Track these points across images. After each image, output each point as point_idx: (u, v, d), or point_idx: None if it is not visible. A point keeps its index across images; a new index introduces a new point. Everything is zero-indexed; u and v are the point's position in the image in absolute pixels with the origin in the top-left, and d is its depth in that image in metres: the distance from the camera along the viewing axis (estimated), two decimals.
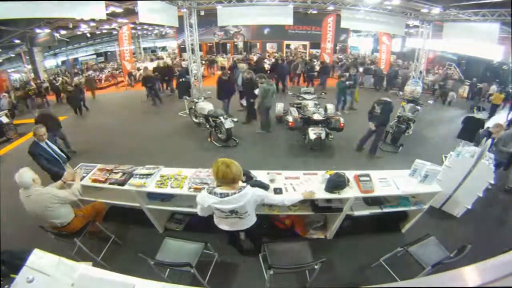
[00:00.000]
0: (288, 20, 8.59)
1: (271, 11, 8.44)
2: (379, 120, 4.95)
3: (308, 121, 5.47)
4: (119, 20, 13.64)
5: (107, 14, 7.16)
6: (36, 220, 2.53)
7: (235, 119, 5.73)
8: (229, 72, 8.12)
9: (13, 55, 15.31)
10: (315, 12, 12.81)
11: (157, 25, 18.97)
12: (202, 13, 12.42)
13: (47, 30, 12.44)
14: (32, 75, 14.12)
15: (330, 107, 6.32)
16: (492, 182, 3.29)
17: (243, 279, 2.70)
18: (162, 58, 18.62)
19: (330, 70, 12.21)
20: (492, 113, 8.09)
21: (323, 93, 7.33)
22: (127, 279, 1.04)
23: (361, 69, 12.62)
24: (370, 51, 20.43)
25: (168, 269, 2.42)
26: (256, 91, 6.16)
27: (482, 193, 3.38)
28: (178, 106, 8.47)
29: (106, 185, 2.83)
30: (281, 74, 10.41)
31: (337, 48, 18.77)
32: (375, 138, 5.23)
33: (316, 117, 5.36)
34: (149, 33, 22.65)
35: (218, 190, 2.00)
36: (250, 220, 2.23)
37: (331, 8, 9.63)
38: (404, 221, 3.24)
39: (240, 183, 2.10)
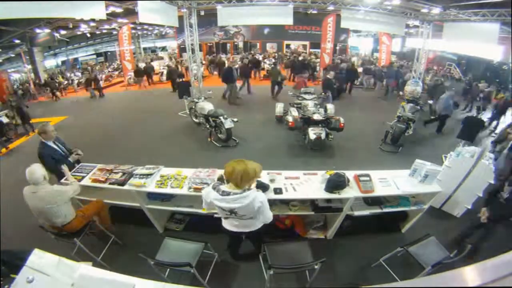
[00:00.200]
0: (288, 20, 8.59)
1: (271, 11, 8.44)
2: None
3: (308, 121, 5.47)
4: (119, 20, 13.64)
5: (107, 14, 7.16)
6: (36, 219, 2.52)
7: (235, 119, 5.73)
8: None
9: (13, 55, 15.29)
10: (315, 12, 12.82)
11: (157, 25, 18.96)
12: (202, 13, 12.41)
13: (47, 30, 12.44)
14: (32, 75, 14.11)
15: (330, 107, 6.32)
16: (492, 182, 3.29)
17: (243, 279, 2.70)
18: (162, 58, 18.67)
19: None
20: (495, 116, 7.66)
21: (322, 93, 7.34)
22: (127, 279, 1.04)
23: (360, 69, 12.62)
24: (370, 51, 20.43)
25: (168, 269, 2.41)
26: None
27: (482, 193, 3.37)
28: (178, 105, 8.47)
29: (106, 185, 2.83)
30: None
31: (337, 48, 18.77)
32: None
33: (316, 117, 5.37)
34: (149, 33, 22.65)
35: (222, 187, 1.99)
36: (252, 224, 2.17)
37: (331, 8, 9.63)
38: (404, 221, 3.24)
39: (241, 186, 2.00)
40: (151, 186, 2.76)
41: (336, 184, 2.59)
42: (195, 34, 8.39)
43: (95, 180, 2.88)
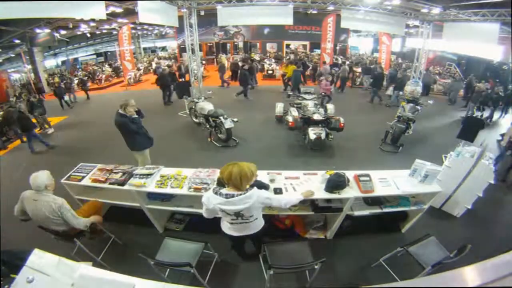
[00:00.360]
0: (288, 20, 8.59)
1: (271, 11, 8.44)
2: None
3: (308, 121, 5.47)
4: (119, 20, 13.65)
5: (107, 14, 7.16)
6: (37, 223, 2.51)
7: (235, 119, 5.73)
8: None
9: (13, 55, 15.29)
10: (315, 12, 12.83)
11: (157, 25, 18.97)
12: (202, 13, 12.40)
13: (47, 30, 12.43)
14: (32, 75, 14.11)
15: (330, 107, 6.32)
16: (492, 182, 3.29)
17: (243, 279, 2.70)
18: (160, 58, 18.66)
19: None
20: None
21: (322, 93, 7.34)
22: (127, 279, 1.04)
23: (359, 69, 12.63)
24: (370, 51, 20.44)
25: (168, 269, 2.41)
26: None
27: (482, 193, 3.38)
28: (179, 106, 8.48)
29: (106, 185, 2.83)
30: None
31: (337, 48, 18.78)
32: None
33: (316, 117, 5.37)
34: (149, 33, 22.67)
35: (224, 190, 1.97)
36: (257, 224, 2.19)
37: (331, 8, 9.63)
38: (404, 221, 3.24)
39: (241, 188, 2.02)
40: (151, 186, 2.76)
41: (336, 184, 2.59)
42: (195, 34, 8.39)
43: (95, 180, 2.88)
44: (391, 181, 2.77)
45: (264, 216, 2.85)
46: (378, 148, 5.71)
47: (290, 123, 5.48)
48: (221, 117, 5.62)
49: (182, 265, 2.13)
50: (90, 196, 3.07)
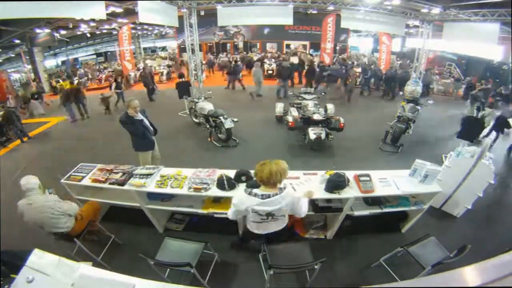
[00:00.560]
0: (288, 20, 8.59)
1: (271, 11, 8.44)
2: None
3: (308, 121, 5.47)
4: (119, 20, 13.63)
5: (107, 14, 7.15)
6: (36, 227, 2.51)
7: (235, 119, 5.73)
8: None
9: (13, 55, 15.30)
10: (315, 12, 12.82)
11: (157, 25, 18.95)
12: (202, 13, 12.42)
13: (47, 30, 12.43)
14: (32, 75, 14.11)
15: (330, 107, 6.32)
16: (492, 182, 3.29)
17: (243, 279, 2.70)
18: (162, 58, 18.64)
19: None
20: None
21: (322, 93, 7.34)
22: (127, 279, 1.04)
23: (359, 69, 12.62)
24: (370, 51, 20.44)
25: (168, 269, 2.42)
26: None
27: (482, 193, 3.37)
28: (178, 106, 8.48)
29: (106, 185, 2.83)
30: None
31: (337, 48, 18.77)
32: None
33: (316, 117, 5.37)
34: (149, 33, 22.65)
35: (259, 191, 1.95)
36: (283, 222, 2.20)
37: (331, 8, 9.63)
38: (404, 221, 3.24)
39: (279, 184, 2.02)
40: (151, 186, 2.76)
41: (336, 184, 2.59)
42: (195, 34, 8.39)
43: (95, 180, 2.88)
44: (391, 181, 2.78)
45: None
46: (378, 148, 5.71)
47: (290, 123, 5.48)
48: (221, 117, 5.62)
49: (182, 265, 2.13)
50: (90, 196, 3.07)
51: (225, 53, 18.91)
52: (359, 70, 12.72)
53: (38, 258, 1.04)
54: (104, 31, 17.78)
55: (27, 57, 13.93)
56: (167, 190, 2.74)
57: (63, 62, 19.64)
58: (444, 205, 3.66)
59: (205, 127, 6.29)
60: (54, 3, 5.25)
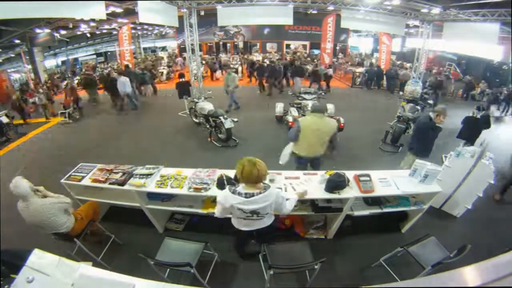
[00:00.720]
0: (288, 20, 8.59)
1: (271, 11, 8.44)
2: None
3: None
4: (119, 20, 13.64)
5: (107, 14, 7.16)
6: (36, 228, 2.50)
7: (235, 119, 5.73)
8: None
9: (13, 55, 15.29)
10: (315, 12, 12.83)
11: (157, 25, 18.97)
12: (202, 13, 12.43)
13: (47, 30, 12.44)
14: (32, 75, 14.11)
15: (330, 107, 6.32)
16: (492, 182, 3.29)
17: (243, 279, 2.70)
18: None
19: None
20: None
21: (323, 93, 7.33)
22: (127, 279, 1.04)
23: (359, 69, 12.64)
24: (370, 51, 20.44)
25: (168, 269, 2.42)
26: None
27: (482, 193, 3.37)
28: (179, 106, 8.48)
29: (106, 185, 2.83)
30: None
31: (337, 48, 18.78)
32: None
33: None
34: (149, 33, 22.66)
35: (242, 190, 1.97)
36: (269, 220, 2.23)
37: (331, 8, 9.63)
38: (404, 221, 3.24)
39: (263, 183, 2.06)
40: (151, 186, 2.76)
41: (336, 184, 2.59)
42: (195, 34, 8.39)
43: (95, 180, 2.88)
44: (391, 181, 2.78)
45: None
46: (378, 148, 5.71)
47: (290, 123, 5.48)
48: (221, 117, 5.62)
49: (182, 265, 2.13)
50: (90, 196, 3.07)
51: (227, 53, 18.95)
52: (359, 70, 12.75)
53: (38, 258, 1.04)
54: (104, 31, 17.80)
55: (27, 57, 13.94)
56: (167, 190, 2.74)
57: (63, 62, 19.63)
58: (444, 205, 3.66)
59: (205, 127, 6.29)
60: (54, 3, 5.26)
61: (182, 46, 16.51)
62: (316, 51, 18.34)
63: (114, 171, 2.98)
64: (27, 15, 5.25)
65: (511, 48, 10.39)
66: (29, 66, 14.17)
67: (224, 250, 2.87)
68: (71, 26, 13.78)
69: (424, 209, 2.90)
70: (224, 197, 2.03)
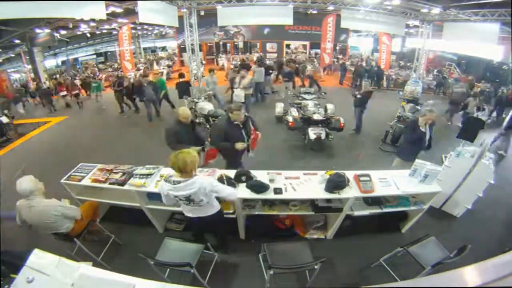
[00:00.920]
0: (288, 20, 8.61)
1: (271, 11, 8.45)
2: None
3: (308, 121, 5.47)
4: (119, 20, 13.63)
5: (107, 14, 7.17)
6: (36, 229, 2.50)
7: None
8: None
9: (13, 55, 15.30)
10: (315, 12, 12.83)
11: (157, 25, 18.96)
12: (202, 13, 12.42)
13: (47, 30, 12.43)
14: (32, 75, 14.12)
15: (330, 107, 6.32)
16: (492, 182, 3.29)
17: (243, 279, 2.70)
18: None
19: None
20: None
21: (323, 93, 7.33)
22: (127, 279, 1.04)
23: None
24: (370, 51, 20.43)
25: (168, 269, 2.41)
26: None
27: (482, 193, 3.37)
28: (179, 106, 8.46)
29: (106, 185, 2.83)
30: None
31: (337, 48, 18.77)
32: None
33: (316, 117, 5.37)
34: (149, 33, 22.65)
35: (173, 178, 2.12)
36: (210, 208, 2.33)
37: (331, 8, 9.65)
38: (404, 221, 3.24)
39: (195, 173, 2.19)
40: (151, 186, 2.76)
41: (336, 184, 2.59)
42: (195, 34, 8.41)
43: (95, 180, 2.88)
44: (391, 181, 2.77)
45: (264, 216, 2.88)
46: (378, 148, 5.71)
47: (290, 123, 5.48)
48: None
49: (182, 265, 2.13)
50: (90, 196, 3.07)
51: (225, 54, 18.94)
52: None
53: (38, 258, 1.05)
54: (104, 31, 17.80)
55: (27, 57, 13.94)
56: None
57: (63, 62, 19.63)
58: (444, 205, 3.66)
59: (205, 127, 6.29)
60: (54, 3, 5.27)
61: (182, 46, 16.49)
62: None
63: (114, 171, 2.98)
64: (27, 15, 5.26)
65: (511, 48, 10.38)
66: (29, 66, 14.17)
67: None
68: (71, 26, 13.78)
69: (424, 209, 2.90)
70: (160, 185, 2.21)
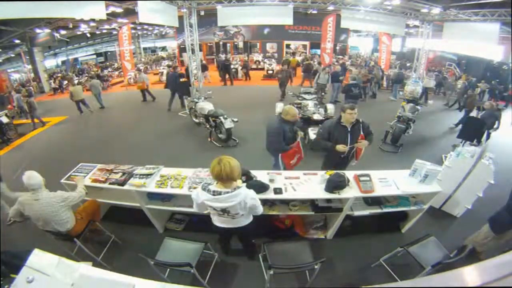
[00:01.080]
0: (288, 20, 8.61)
1: (271, 11, 8.45)
2: None
3: (308, 121, 5.46)
4: (119, 20, 13.64)
5: (107, 14, 7.17)
6: (38, 225, 2.49)
7: (235, 119, 5.73)
8: None
9: (13, 55, 15.30)
10: (315, 12, 12.84)
11: (157, 25, 18.97)
12: (202, 13, 12.43)
13: (47, 30, 12.44)
14: (32, 75, 14.12)
15: (330, 107, 6.32)
16: (492, 182, 3.29)
17: (243, 279, 2.70)
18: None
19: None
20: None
21: (323, 93, 7.34)
22: (127, 279, 1.04)
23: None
24: (370, 51, 20.45)
25: (168, 269, 2.41)
26: None
27: (482, 193, 3.37)
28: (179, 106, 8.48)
29: (106, 185, 2.83)
30: None
31: (337, 48, 18.78)
32: None
33: (316, 117, 5.37)
34: (149, 33, 22.67)
35: (212, 187, 1.99)
36: (243, 221, 2.21)
37: (331, 8, 9.65)
38: (404, 221, 3.24)
39: (237, 183, 2.06)
40: (151, 186, 2.76)
41: (336, 184, 2.59)
42: (195, 34, 8.41)
43: (95, 180, 2.88)
44: (391, 181, 2.77)
45: (264, 216, 2.88)
46: (378, 148, 5.71)
47: None
48: (221, 117, 5.62)
49: (182, 265, 2.13)
50: (90, 196, 3.06)
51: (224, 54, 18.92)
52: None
53: (38, 258, 1.05)
54: (104, 31, 17.80)
55: (27, 57, 13.94)
56: (167, 190, 2.73)
57: (63, 62, 19.63)
58: (444, 205, 3.66)
59: (205, 127, 6.29)
60: (54, 3, 5.27)
61: (182, 46, 16.49)
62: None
63: (114, 171, 2.98)
64: (27, 15, 5.26)
65: (511, 48, 10.38)
66: (29, 66, 14.17)
67: (217, 247, 2.86)
68: (71, 26, 13.78)
69: (424, 209, 2.90)
70: (196, 193, 2.05)
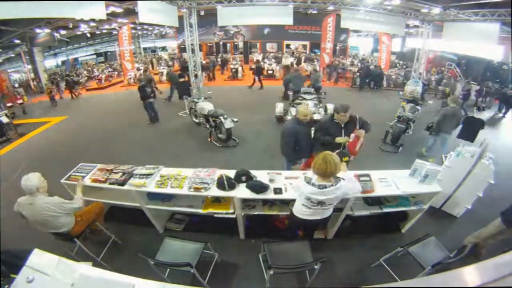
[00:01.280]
0: (288, 20, 8.60)
1: (271, 11, 8.45)
2: None
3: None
4: (119, 20, 13.64)
5: (107, 14, 7.17)
6: (36, 227, 2.49)
7: (235, 119, 5.73)
8: None
9: (13, 55, 15.32)
10: (315, 12, 12.85)
11: (157, 25, 18.98)
12: (202, 13, 12.42)
13: (47, 30, 12.44)
14: (32, 75, 14.13)
15: (330, 107, 6.32)
16: (492, 182, 3.29)
17: (243, 279, 2.70)
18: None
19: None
20: None
21: (323, 93, 7.34)
22: (127, 279, 1.04)
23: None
24: (370, 51, 20.45)
25: (168, 269, 2.42)
26: None
27: (482, 193, 3.37)
28: (179, 106, 8.48)
29: (106, 185, 2.83)
30: None
31: (337, 48, 18.78)
32: None
33: (316, 117, 5.36)
34: (149, 33, 22.67)
35: (316, 181, 2.09)
36: (331, 211, 2.34)
37: (331, 8, 9.66)
38: (404, 221, 3.24)
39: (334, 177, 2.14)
40: (151, 186, 2.76)
41: None
42: (195, 34, 8.41)
43: (95, 180, 2.87)
44: (391, 181, 2.77)
45: (264, 216, 2.88)
46: (378, 148, 5.71)
47: None
48: (221, 117, 5.62)
49: (182, 265, 2.13)
50: (90, 196, 3.06)
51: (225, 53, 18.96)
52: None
53: (38, 258, 1.05)
54: (104, 31, 17.81)
55: (27, 57, 13.96)
56: (167, 190, 2.73)
57: (63, 62, 19.64)
58: (444, 205, 3.66)
59: (205, 127, 6.29)
60: (54, 3, 5.27)
61: (182, 46, 16.50)
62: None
63: (114, 171, 2.98)
64: (27, 15, 5.26)
65: (511, 48, 10.38)
66: (29, 66, 14.19)
67: (224, 250, 2.87)
68: (71, 26, 13.80)
69: (424, 209, 2.90)
70: (297, 186, 2.22)
